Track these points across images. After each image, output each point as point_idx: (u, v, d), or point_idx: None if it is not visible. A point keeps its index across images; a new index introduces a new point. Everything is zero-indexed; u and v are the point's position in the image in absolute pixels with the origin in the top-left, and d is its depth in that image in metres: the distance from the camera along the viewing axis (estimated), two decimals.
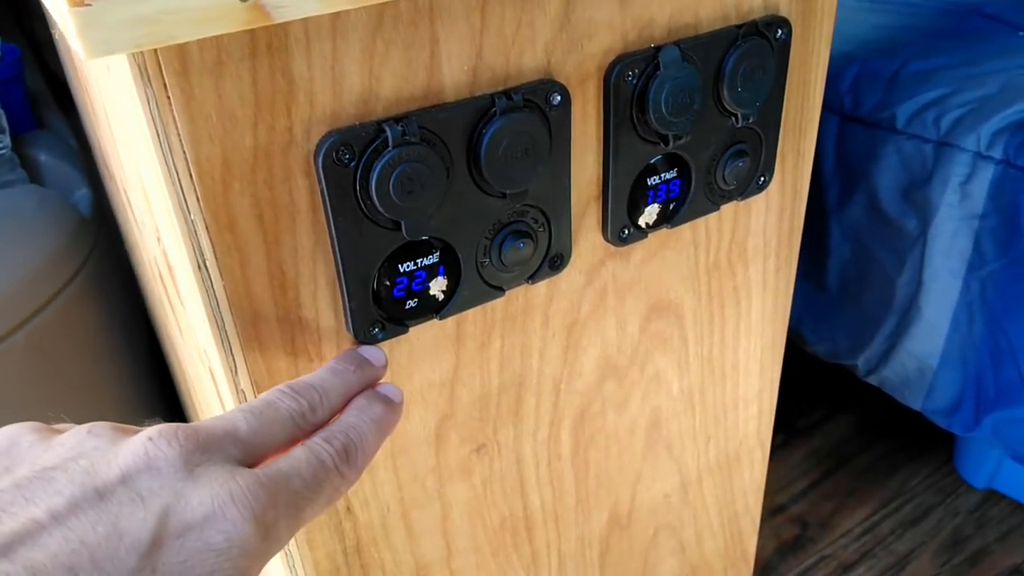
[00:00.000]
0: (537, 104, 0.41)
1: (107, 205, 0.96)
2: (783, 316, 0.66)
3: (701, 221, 0.54)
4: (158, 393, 1.03)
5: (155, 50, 0.30)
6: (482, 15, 0.38)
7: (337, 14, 0.34)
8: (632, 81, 0.44)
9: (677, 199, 0.51)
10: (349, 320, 0.40)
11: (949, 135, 1.01)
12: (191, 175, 0.33)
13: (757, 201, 0.56)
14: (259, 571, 0.26)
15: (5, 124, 0.94)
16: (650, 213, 0.50)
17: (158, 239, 0.49)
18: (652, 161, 0.48)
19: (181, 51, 0.31)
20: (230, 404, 0.42)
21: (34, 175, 0.94)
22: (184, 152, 0.33)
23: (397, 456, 0.48)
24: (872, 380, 1.22)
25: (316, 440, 0.30)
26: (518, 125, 0.40)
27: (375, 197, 0.37)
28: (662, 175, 0.49)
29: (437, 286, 0.42)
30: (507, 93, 0.39)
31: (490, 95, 0.39)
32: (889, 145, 1.07)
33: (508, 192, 0.42)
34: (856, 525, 1.24)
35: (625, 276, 0.52)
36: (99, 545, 0.23)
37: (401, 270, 0.41)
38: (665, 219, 0.51)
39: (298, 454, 0.29)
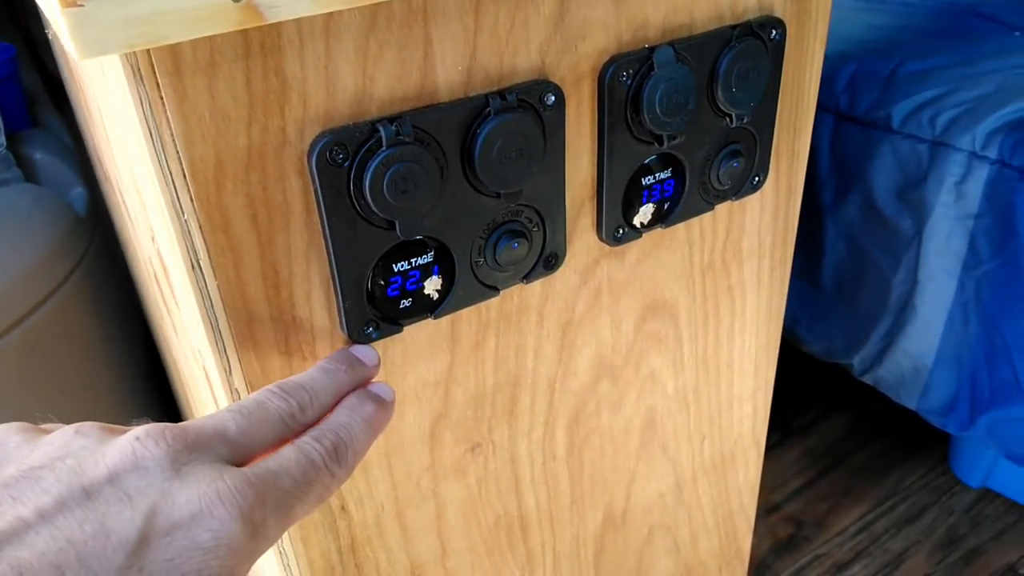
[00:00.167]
0: (531, 104, 0.41)
1: (102, 204, 0.96)
2: (778, 315, 0.66)
3: (696, 221, 0.54)
4: (153, 393, 1.03)
5: (148, 50, 0.30)
6: (476, 15, 0.38)
7: (330, 14, 0.34)
8: (626, 81, 0.44)
9: (671, 199, 0.51)
10: (343, 320, 0.40)
11: (944, 135, 1.01)
12: (184, 175, 0.33)
13: (751, 201, 0.57)
14: (247, 570, 0.26)
15: (0, 123, 0.94)
16: (645, 213, 0.50)
17: (152, 239, 0.49)
18: (646, 161, 0.48)
19: (174, 51, 0.31)
20: (224, 404, 0.42)
21: (29, 174, 0.94)
22: (177, 152, 0.33)
23: (392, 455, 0.48)
24: (867, 379, 1.22)
25: (306, 439, 0.30)
26: (512, 125, 0.40)
27: (369, 197, 0.37)
28: (656, 175, 0.49)
29: (432, 285, 0.43)
30: (501, 93, 0.40)
31: (484, 95, 0.39)
32: (885, 145, 1.07)
33: (502, 192, 0.42)
34: (851, 524, 1.25)
35: (620, 276, 0.52)
36: (86, 543, 0.23)
37: (395, 269, 0.41)
38: (660, 219, 0.51)
39: (287, 453, 0.29)
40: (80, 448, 0.26)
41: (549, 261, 0.47)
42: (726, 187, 0.53)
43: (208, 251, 0.35)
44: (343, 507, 0.47)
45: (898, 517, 1.25)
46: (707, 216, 0.54)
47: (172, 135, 0.32)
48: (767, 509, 1.27)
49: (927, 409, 1.15)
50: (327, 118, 0.36)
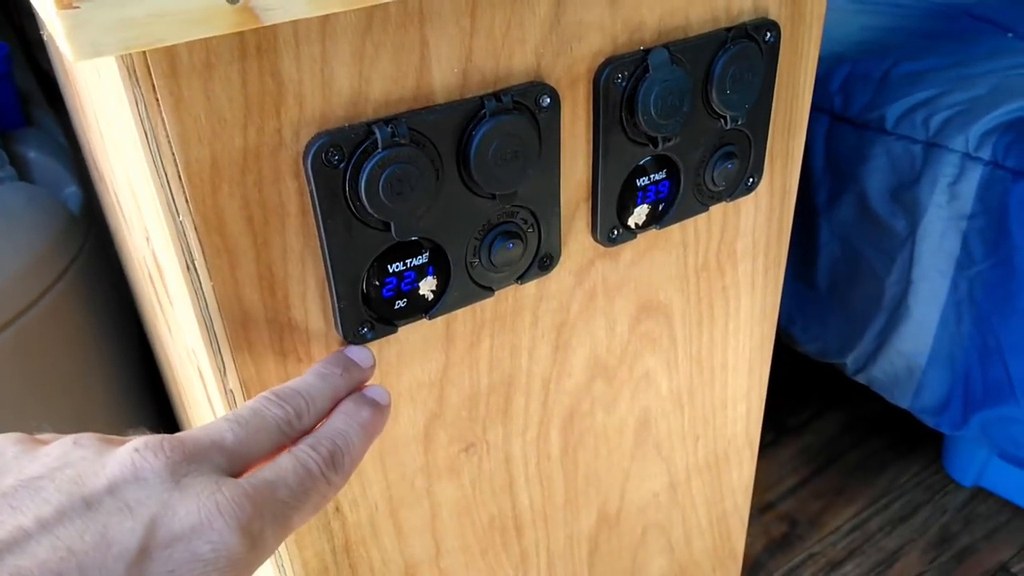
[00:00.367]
0: (527, 106, 0.41)
1: (97, 203, 0.96)
2: (772, 316, 0.66)
3: (690, 222, 0.54)
4: (147, 393, 1.02)
5: (144, 52, 0.30)
6: (472, 18, 0.38)
7: (326, 16, 0.34)
8: (621, 83, 0.44)
9: (666, 200, 0.51)
10: (338, 320, 0.40)
11: (938, 136, 1.01)
12: (180, 177, 0.33)
13: (746, 202, 0.57)
14: None
15: None
16: (639, 214, 0.50)
17: (147, 239, 0.49)
18: (641, 162, 0.48)
19: (170, 53, 0.31)
20: (219, 404, 0.42)
21: (23, 173, 0.94)
22: (173, 154, 0.33)
23: (386, 455, 0.48)
24: (861, 379, 1.23)
25: (302, 447, 0.30)
26: (508, 127, 0.40)
27: (364, 198, 0.37)
28: (651, 176, 0.49)
29: (427, 286, 0.43)
30: (497, 95, 0.40)
31: (480, 97, 0.39)
32: (878, 146, 1.07)
33: (497, 193, 0.42)
34: (845, 522, 1.25)
35: (614, 276, 0.53)
36: (87, 553, 0.23)
37: (390, 270, 0.41)
38: (654, 220, 0.51)
39: (284, 462, 0.29)
40: (79, 459, 0.26)
41: (544, 262, 0.47)
42: (721, 188, 0.53)
43: (203, 252, 0.35)
44: (337, 508, 0.47)
45: (891, 516, 1.26)
46: (702, 217, 0.54)
47: (168, 137, 0.33)
48: (761, 508, 1.27)
49: (920, 408, 1.16)
50: (323, 120, 0.36)
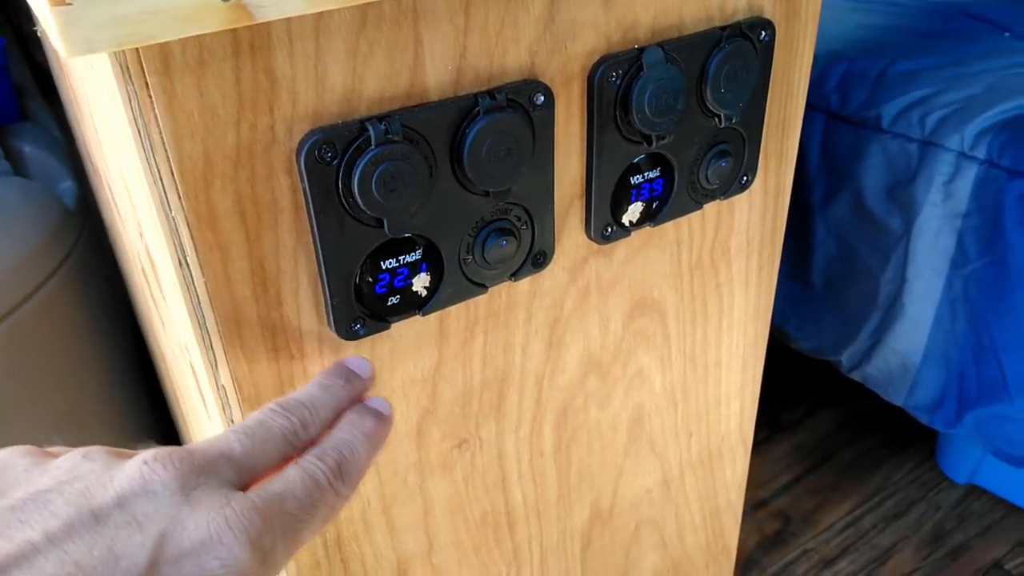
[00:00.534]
0: (521, 104, 0.41)
1: (92, 198, 0.96)
2: (765, 313, 0.67)
3: (684, 220, 0.54)
4: (142, 388, 1.02)
5: (137, 49, 0.30)
6: (466, 16, 0.38)
7: (320, 14, 0.34)
8: (616, 82, 0.44)
9: (660, 198, 0.51)
10: (331, 317, 0.40)
11: (933, 135, 1.01)
12: (173, 173, 0.33)
13: (740, 200, 0.57)
14: None
15: None
16: (633, 212, 0.50)
17: (140, 234, 0.49)
18: (635, 160, 0.48)
19: (163, 50, 0.31)
20: (211, 400, 0.42)
21: (18, 167, 0.94)
22: (166, 150, 0.33)
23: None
24: (856, 376, 1.23)
25: (309, 458, 0.30)
26: (501, 125, 0.40)
27: (357, 195, 0.37)
28: (645, 174, 0.49)
29: (420, 283, 0.43)
30: (491, 93, 0.40)
31: (473, 95, 0.39)
32: (874, 144, 1.07)
33: (491, 191, 0.42)
34: (839, 519, 1.26)
35: (608, 274, 0.53)
36: (95, 568, 0.23)
37: (383, 267, 0.41)
38: (648, 218, 0.51)
39: (292, 474, 0.29)
40: (88, 472, 0.26)
41: (537, 259, 0.47)
42: (715, 187, 0.53)
43: (196, 248, 0.35)
44: None
45: (885, 513, 1.26)
46: (696, 215, 0.55)
47: (160, 133, 0.33)
48: (755, 504, 1.28)
49: (915, 406, 1.16)
50: (316, 117, 0.36)
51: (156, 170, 0.34)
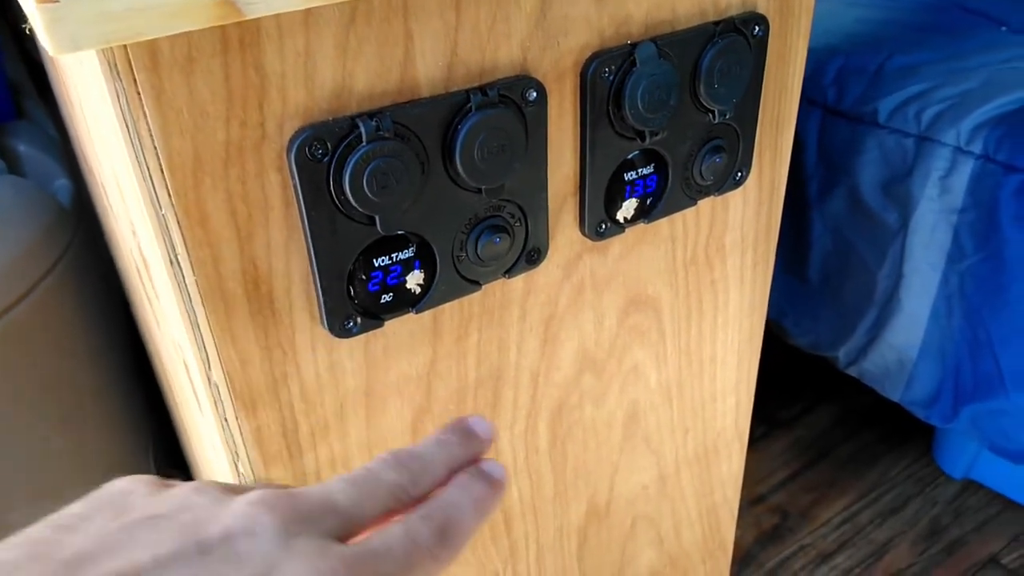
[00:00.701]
0: (513, 100, 0.41)
1: (87, 196, 0.96)
2: (760, 309, 0.67)
3: (678, 216, 0.54)
4: (138, 387, 1.02)
5: (124, 46, 0.30)
6: (457, 11, 0.38)
7: (309, 10, 0.34)
8: (608, 77, 0.44)
9: (654, 194, 0.51)
10: (324, 315, 0.40)
11: (930, 130, 1.01)
12: (162, 170, 0.33)
13: (734, 196, 0.57)
14: None
15: None
16: (627, 208, 0.50)
17: (133, 233, 0.49)
18: (629, 156, 0.48)
19: (151, 47, 0.31)
20: (204, 397, 0.42)
21: (13, 166, 0.93)
22: (155, 147, 0.33)
23: (373, 450, 0.48)
24: (852, 372, 1.23)
25: (414, 519, 0.29)
26: (494, 121, 0.40)
27: (349, 192, 0.37)
28: (639, 170, 0.49)
29: (413, 280, 0.43)
30: (483, 89, 0.40)
31: (465, 91, 0.39)
32: (871, 139, 1.07)
33: (484, 187, 0.42)
34: (835, 515, 1.26)
35: (603, 270, 0.53)
36: None
37: (376, 264, 0.41)
38: (642, 214, 0.51)
39: (394, 532, 0.28)
40: (198, 504, 0.27)
41: (531, 256, 0.47)
42: (709, 182, 0.53)
43: (186, 245, 0.35)
44: None
45: (882, 508, 1.26)
46: (690, 211, 0.54)
47: (149, 130, 0.32)
48: (752, 500, 1.28)
49: (911, 401, 1.16)
50: (307, 113, 0.36)
51: (146, 168, 0.33)
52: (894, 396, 1.18)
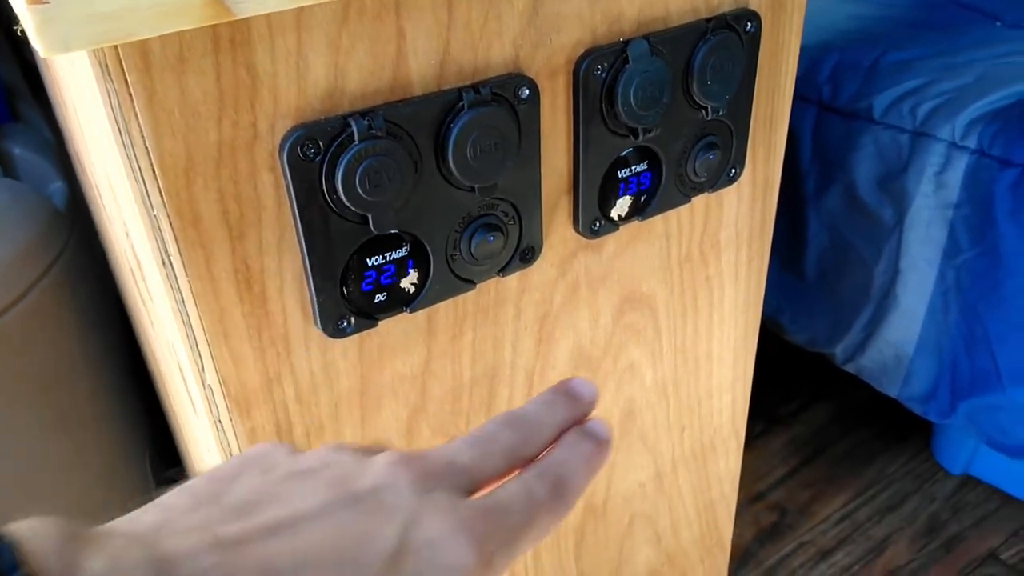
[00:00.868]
0: (506, 98, 0.41)
1: (82, 198, 0.96)
2: (756, 306, 0.67)
3: (673, 213, 0.54)
4: (134, 391, 1.02)
5: (115, 46, 0.30)
6: (449, 9, 0.38)
7: (301, 8, 0.34)
8: (601, 75, 0.44)
9: (648, 191, 0.51)
10: (317, 314, 0.40)
11: (925, 125, 1.01)
12: (154, 171, 0.33)
13: (728, 193, 0.57)
14: None
15: None
16: (621, 205, 0.50)
17: (127, 234, 0.49)
18: (622, 154, 0.48)
19: (142, 47, 0.31)
20: (198, 399, 0.42)
21: (8, 169, 0.93)
22: (147, 147, 0.33)
23: None
24: (850, 368, 1.23)
25: (530, 475, 0.30)
26: (486, 119, 0.40)
27: (341, 191, 0.37)
28: (632, 168, 0.49)
29: (407, 280, 0.43)
30: (475, 87, 0.40)
31: (458, 89, 0.39)
32: (866, 135, 1.07)
33: (477, 186, 0.42)
34: (834, 512, 1.26)
35: (597, 268, 0.53)
36: (355, 541, 0.25)
37: (369, 264, 0.41)
38: (637, 211, 0.51)
39: (514, 488, 0.29)
40: (341, 462, 0.28)
41: (525, 254, 0.47)
42: (703, 179, 0.53)
43: (178, 246, 0.35)
44: None
45: (881, 504, 1.26)
46: (684, 208, 0.54)
47: (141, 131, 0.32)
48: (751, 497, 1.28)
49: (908, 397, 1.16)
50: (298, 113, 0.36)
51: (137, 168, 0.33)
52: (891, 392, 1.18)
